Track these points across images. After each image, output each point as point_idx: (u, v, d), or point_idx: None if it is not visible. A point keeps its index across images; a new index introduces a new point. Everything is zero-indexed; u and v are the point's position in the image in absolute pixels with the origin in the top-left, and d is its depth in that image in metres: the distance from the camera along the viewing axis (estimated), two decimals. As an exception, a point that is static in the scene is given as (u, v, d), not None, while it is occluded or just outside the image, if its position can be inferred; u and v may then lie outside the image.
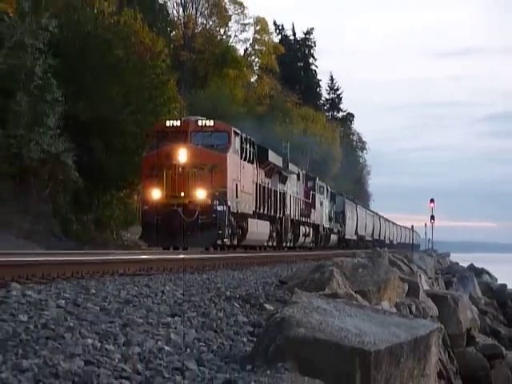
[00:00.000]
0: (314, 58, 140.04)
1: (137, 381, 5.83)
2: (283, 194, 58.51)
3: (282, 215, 56.04)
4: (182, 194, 34.80)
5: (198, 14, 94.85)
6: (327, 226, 76.68)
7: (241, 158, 40.51)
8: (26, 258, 18.05)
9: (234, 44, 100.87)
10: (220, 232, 35.15)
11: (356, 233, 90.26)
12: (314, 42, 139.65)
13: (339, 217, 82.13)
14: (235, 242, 41.22)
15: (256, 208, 45.11)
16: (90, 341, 7.26)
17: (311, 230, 70.47)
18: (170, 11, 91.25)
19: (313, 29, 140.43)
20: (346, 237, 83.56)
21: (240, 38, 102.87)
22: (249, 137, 43.83)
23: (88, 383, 5.66)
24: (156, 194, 34.60)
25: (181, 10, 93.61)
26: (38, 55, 45.56)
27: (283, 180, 58.18)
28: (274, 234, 54.22)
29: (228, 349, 7.77)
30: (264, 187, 49.61)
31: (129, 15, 66.12)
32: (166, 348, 7.39)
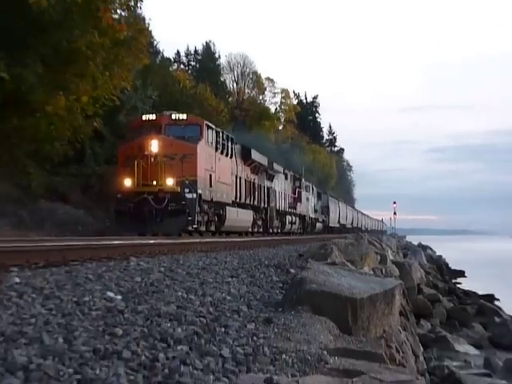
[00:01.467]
0: (318, 113, 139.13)
1: (209, 318, 5.88)
2: (269, 188, 45.15)
3: (267, 206, 43.44)
4: (153, 182, 26.48)
5: (245, 86, 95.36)
6: (313, 216, 62.57)
7: (216, 151, 30.66)
8: (139, 241, 18.34)
9: (268, 105, 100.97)
10: (190, 218, 26.45)
11: (338, 221, 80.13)
12: (319, 103, 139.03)
13: (324, 210, 70.13)
14: (213, 229, 31.25)
15: (236, 198, 34.67)
16: (179, 293, 7.32)
17: (298, 219, 55.57)
18: (228, 85, 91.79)
19: (317, 95, 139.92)
20: (330, 225, 72.89)
21: (272, 102, 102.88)
22: (227, 133, 33.69)
23: (182, 313, 5.76)
24: (128, 182, 26.47)
25: (235, 84, 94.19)
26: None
27: (270, 177, 45.32)
28: (260, 222, 42.69)
29: (267, 298, 7.77)
30: (249, 181, 38.73)
31: (202, 88, 66.39)
32: (228, 297, 7.46)
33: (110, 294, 6.82)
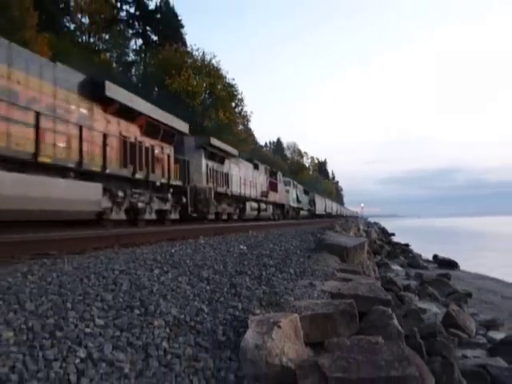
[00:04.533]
0: (327, 165, 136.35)
1: (283, 256, 5.73)
2: (201, 166, 15.97)
3: (182, 184, 13.76)
4: None
5: (295, 156, 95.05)
6: (294, 205, 35.56)
7: None
8: (253, 223, 18.00)
9: (305, 163, 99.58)
10: None
11: (325, 210, 56.46)
12: (327, 161, 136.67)
13: (311, 202, 45.42)
14: None
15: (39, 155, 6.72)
16: (270, 245, 7.13)
17: (271, 206, 28.13)
18: (287, 155, 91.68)
19: (326, 159, 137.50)
20: (317, 212, 47.72)
21: (306, 162, 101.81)
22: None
23: (272, 254, 5.67)
24: None
25: (290, 155, 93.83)
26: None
27: (213, 157, 17.23)
28: (164, 204, 12.74)
29: (307, 246, 7.58)
30: (121, 140, 10.14)
31: (277, 158, 66.22)
32: (291, 247, 7.17)
33: (241, 246, 6.73)
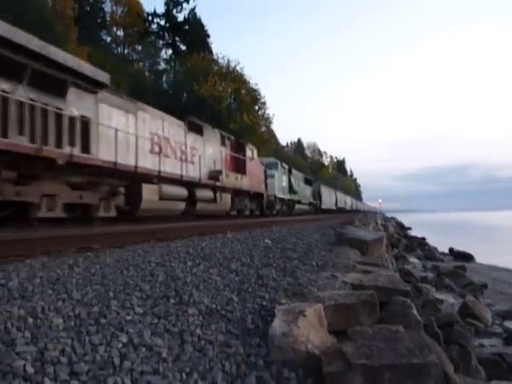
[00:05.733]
0: (345, 164, 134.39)
1: (306, 249, 5.66)
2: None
3: None
4: None
5: (315, 155, 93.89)
6: (285, 196, 20.74)
7: None
8: (275, 219, 17.77)
9: (324, 162, 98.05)
10: None
11: (336, 205, 40.84)
12: (345, 160, 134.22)
13: (316, 195, 30.91)
14: None
15: None
16: (293, 239, 7.03)
17: (228, 196, 12.73)
18: (307, 155, 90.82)
19: (344, 158, 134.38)
20: (323, 207, 32.45)
21: (326, 161, 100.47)
22: None
23: (295, 248, 5.60)
24: None
25: (310, 154, 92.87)
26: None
27: (16, 74, 4.87)
28: None
29: (328, 240, 7.47)
30: None
31: (298, 157, 65.59)
32: (313, 240, 7.08)
33: (266, 240, 6.65)
